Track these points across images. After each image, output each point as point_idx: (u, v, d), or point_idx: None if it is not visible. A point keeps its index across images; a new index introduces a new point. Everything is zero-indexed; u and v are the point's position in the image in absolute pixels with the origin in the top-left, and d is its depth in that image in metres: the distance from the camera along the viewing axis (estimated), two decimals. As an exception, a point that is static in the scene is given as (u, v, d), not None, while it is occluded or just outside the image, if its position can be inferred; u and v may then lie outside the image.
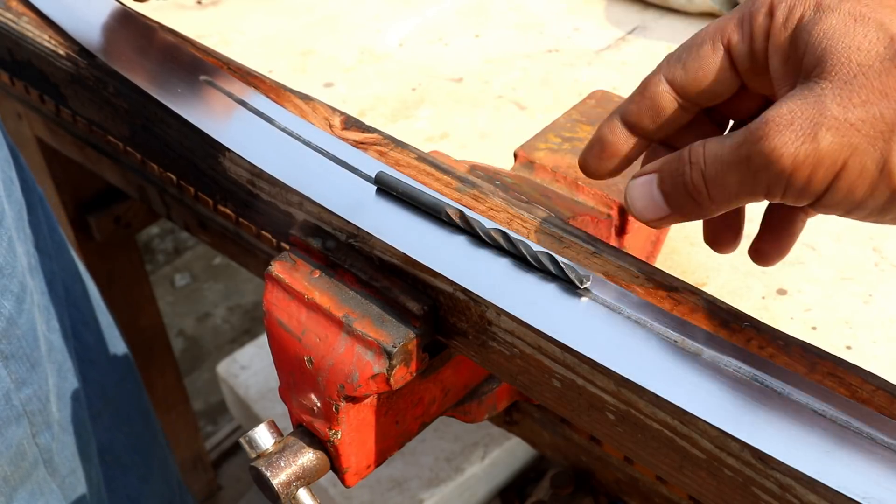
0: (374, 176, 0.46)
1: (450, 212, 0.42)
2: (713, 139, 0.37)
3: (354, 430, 0.45)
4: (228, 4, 0.88)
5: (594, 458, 0.60)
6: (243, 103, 0.52)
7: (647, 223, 0.40)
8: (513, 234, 0.41)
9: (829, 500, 0.31)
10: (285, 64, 0.80)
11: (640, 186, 0.40)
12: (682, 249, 0.60)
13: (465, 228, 0.42)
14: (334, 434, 0.45)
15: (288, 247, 0.48)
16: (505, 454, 1.22)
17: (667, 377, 0.35)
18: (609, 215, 0.51)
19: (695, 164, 0.37)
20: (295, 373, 0.45)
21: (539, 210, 0.45)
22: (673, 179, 0.38)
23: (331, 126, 0.52)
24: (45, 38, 0.63)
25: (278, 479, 0.44)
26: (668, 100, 0.40)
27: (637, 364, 0.36)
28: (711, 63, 0.38)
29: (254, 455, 0.45)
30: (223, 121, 0.51)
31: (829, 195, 0.34)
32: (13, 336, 0.64)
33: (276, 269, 0.45)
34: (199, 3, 0.88)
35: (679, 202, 0.38)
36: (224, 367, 1.42)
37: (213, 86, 0.54)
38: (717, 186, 0.37)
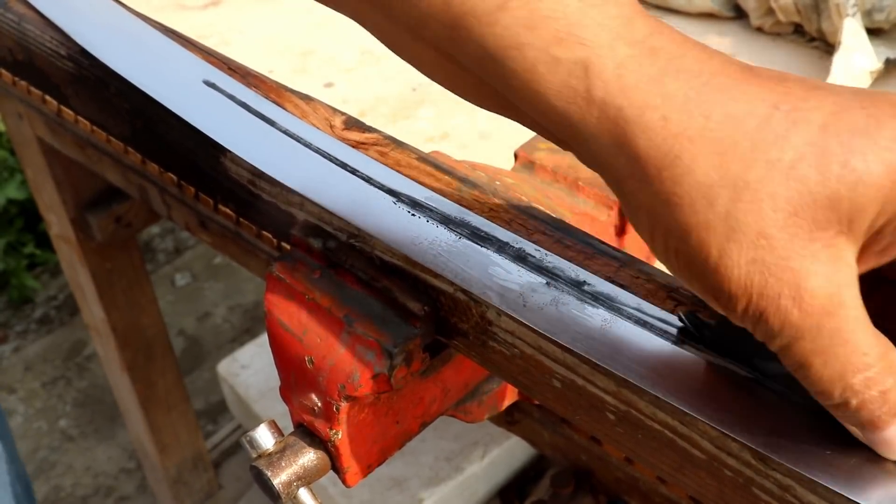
0: (373, 177, 0.46)
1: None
2: None
3: (355, 430, 0.45)
4: (228, 4, 0.88)
5: (594, 458, 0.60)
6: (244, 104, 0.52)
7: None
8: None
9: (828, 501, 0.31)
10: (285, 64, 0.81)
11: None
12: (683, 249, 0.60)
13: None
14: (335, 434, 0.45)
15: (289, 247, 0.48)
16: (505, 453, 1.22)
17: (666, 378, 0.35)
18: (609, 215, 0.52)
19: None
20: (296, 372, 0.45)
21: (539, 210, 0.45)
22: None
23: (332, 126, 0.52)
24: (47, 39, 0.63)
25: (279, 478, 0.44)
26: None
27: (637, 365, 0.36)
28: None
29: (254, 455, 0.45)
30: (224, 122, 0.51)
31: None
32: None
33: (277, 269, 0.45)
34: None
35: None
36: (224, 367, 1.42)
37: (214, 86, 0.54)
38: None
